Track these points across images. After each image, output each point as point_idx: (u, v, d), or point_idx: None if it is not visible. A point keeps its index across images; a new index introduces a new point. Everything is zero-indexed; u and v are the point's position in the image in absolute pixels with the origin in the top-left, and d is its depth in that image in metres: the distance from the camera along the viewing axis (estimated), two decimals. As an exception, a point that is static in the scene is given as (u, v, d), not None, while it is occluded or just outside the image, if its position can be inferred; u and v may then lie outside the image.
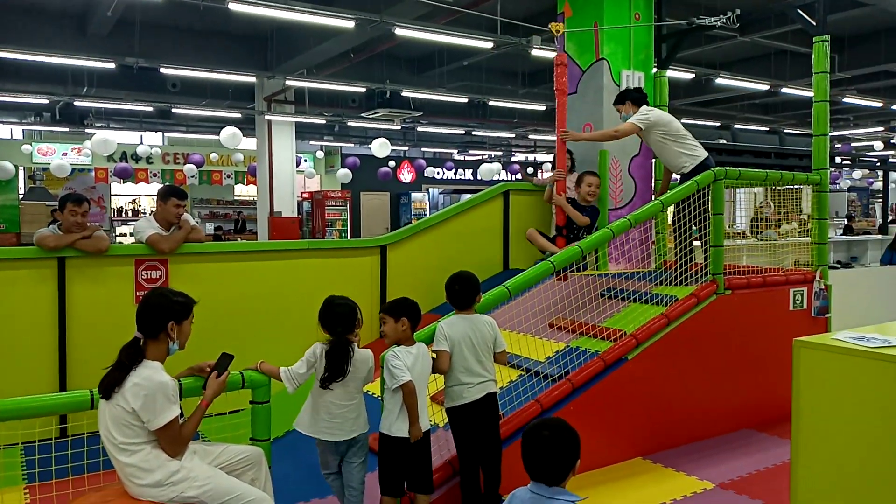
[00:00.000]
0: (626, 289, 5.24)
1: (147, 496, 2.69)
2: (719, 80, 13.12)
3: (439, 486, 3.77)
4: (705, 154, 5.62)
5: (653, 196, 6.48)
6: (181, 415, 2.81)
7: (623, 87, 6.51)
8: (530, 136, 21.40)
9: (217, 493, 2.77)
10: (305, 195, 20.55)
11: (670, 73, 7.15)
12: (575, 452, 2.27)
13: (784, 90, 13.95)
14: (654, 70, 6.83)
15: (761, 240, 7.51)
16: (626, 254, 5.93)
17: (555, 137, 5.82)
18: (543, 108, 16.38)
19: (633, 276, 5.50)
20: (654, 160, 6.69)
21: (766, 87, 13.61)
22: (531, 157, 26.89)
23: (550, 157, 25.36)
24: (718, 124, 19.04)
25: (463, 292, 3.70)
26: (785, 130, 20.99)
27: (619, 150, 6.52)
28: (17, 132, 20.57)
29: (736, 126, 20.12)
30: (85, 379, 4.70)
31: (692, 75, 12.94)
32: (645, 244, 6.13)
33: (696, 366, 4.88)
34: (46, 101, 15.48)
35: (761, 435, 5.05)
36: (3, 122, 18.53)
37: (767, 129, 20.91)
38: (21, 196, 17.48)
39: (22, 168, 18.88)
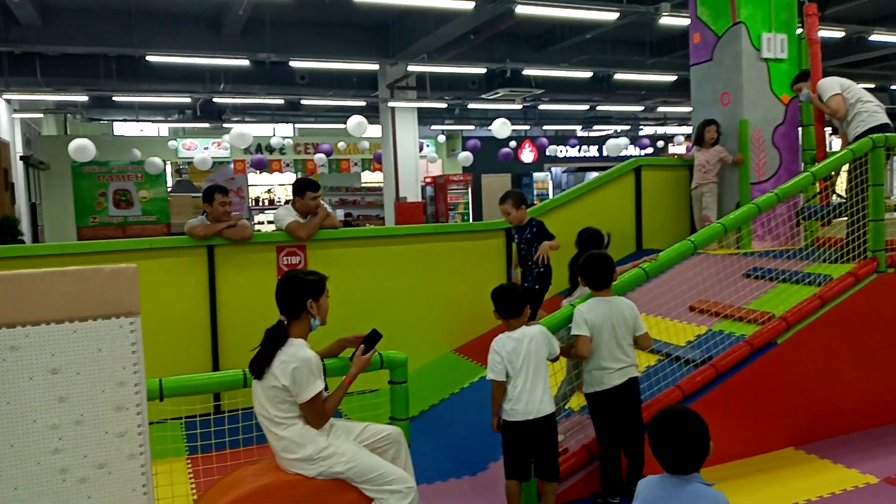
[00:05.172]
0: (774, 268, 4.89)
1: (297, 469, 2.83)
2: (873, 38, 11.94)
3: (577, 470, 3.71)
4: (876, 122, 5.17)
5: (802, 166, 6.02)
6: (325, 388, 2.93)
7: (764, 52, 6.09)
8: (659, 109, 20.48)
9: (361, 470, 2.86)
10: (428, 180, 20.84)
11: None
12: (707, 440, 2.20)
13: (950, 43, 12.52)
14: (799, 31, 6.30)
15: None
16: (773, 231, 5.53)
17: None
18: (673, 78, 15.63)
19: (780, 254, 5.14)
20: (800, 129, 6.20)
21: (928, 41, 12.28)
22: (661, 130, 25.78)
23: (681, 130, 24.28)
24: (873, 86, 17.35)
25: (600, 270, 3.60)
26: (951, 88, 18.86)
27: (761, 119, 6.09)
28: (164, 130, 22.31)
29: (894, 87, 18.29)
30: (235, 358, 4.99)
31: (842, 34, 11.87)
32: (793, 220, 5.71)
33: (855, 350, 4.50)
34: (188, 100, 16.63)
35: (932, 427, 4.58)
36: (152, 121, 20.17)
37: (930, 87, 18.87)
38: (169, 189, 18.92)
39: (169, 163, 20.42)
